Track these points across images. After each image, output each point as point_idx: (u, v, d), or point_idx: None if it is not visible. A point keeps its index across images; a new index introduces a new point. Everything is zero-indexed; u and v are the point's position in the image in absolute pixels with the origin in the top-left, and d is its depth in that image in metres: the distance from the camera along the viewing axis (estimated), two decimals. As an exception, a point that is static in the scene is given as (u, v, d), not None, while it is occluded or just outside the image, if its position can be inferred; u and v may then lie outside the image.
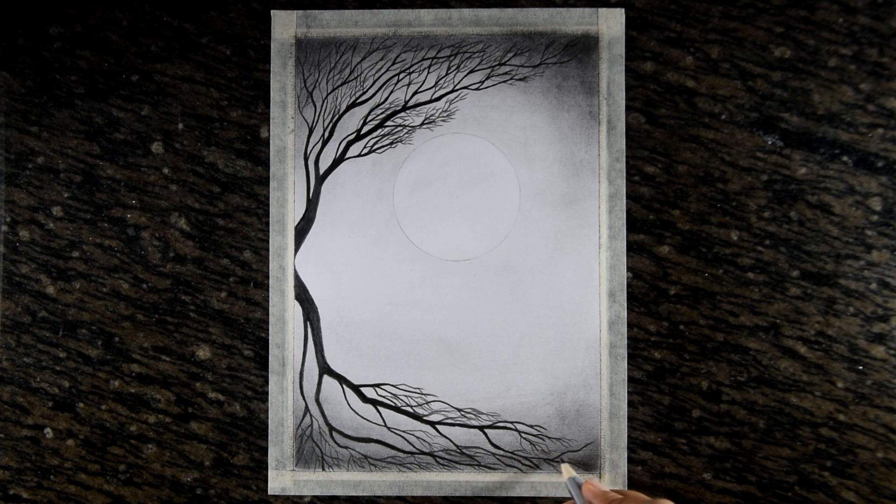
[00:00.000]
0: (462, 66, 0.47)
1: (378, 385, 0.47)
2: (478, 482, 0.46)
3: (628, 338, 0.46)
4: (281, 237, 0.47)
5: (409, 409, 0.47)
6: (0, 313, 0.48)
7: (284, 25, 0.47)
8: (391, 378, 0.47)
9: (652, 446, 0.46)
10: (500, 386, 0.46)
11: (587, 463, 0.46)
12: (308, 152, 0.47)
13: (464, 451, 0.46)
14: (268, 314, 0.47)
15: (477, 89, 0.47)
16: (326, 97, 0.47)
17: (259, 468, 0.47)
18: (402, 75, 0.47)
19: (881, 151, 0.46)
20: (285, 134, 0.47)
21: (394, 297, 0.47)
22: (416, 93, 0.47)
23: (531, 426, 0.46)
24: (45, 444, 0.48)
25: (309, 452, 0.47)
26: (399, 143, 0.47)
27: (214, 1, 0.48)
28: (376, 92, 0.47)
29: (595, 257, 0.46)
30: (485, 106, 0.47)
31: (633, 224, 0.46)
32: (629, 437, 0.46)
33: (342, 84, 0.47)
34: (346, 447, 0.47)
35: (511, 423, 0.46)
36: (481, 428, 0.46)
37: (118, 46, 0.48)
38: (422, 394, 0.47)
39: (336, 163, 0.47)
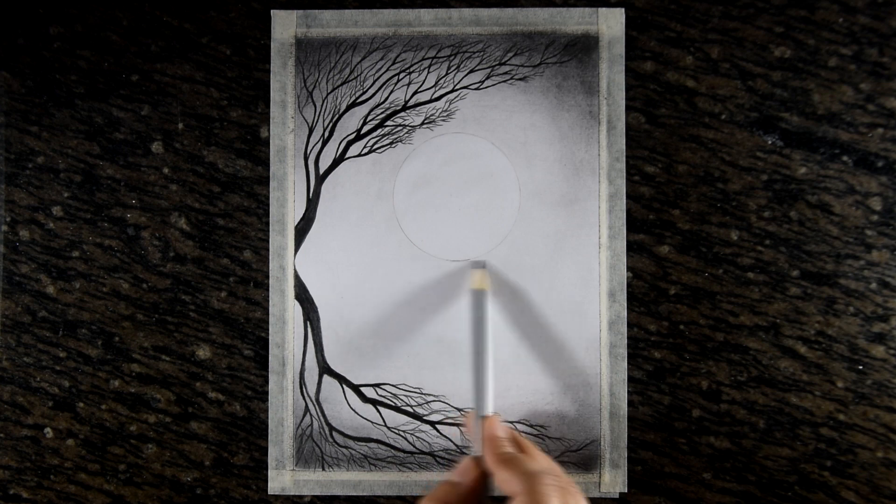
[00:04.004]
0: (462, 65, 0.47)
1: (378, 385, 0.47)
2: (478, 482, 0.46)
3: (628, 338, 0.46)
4: (281, 237, 0.47)
5: (409, 409, 0.47)
6: (0, 313, 0.48)
7: (284, 25, 0.47)
8: (391, 378, 0.47)
9: (652, 446, 0.46)
10: (500, 386, 0.46)
11: (587, 463, 0.46)
12: (308, 152, 0.47)
13: (464, 451, 0.46)
14: (268, 314, 0.47)
15: (477, 89, 0.47)
16: (326, 97, 0.47)
17: (259, 468, 0.47)
18: (402, 75, 0.47)
19: (881, 151, 0.46)
20: (285, 134, 0.47)
21: (394, 297, 0.47)
22: (416, 92, 0.47)
23: (531, 426, 0.46)
24: (45, 443, 0.48)
25: (309, 452, 0.47)
26: (399, 143, 0.47)
27: (214, 1, 0.48)
28: (376, 92, 0.47)
29: (595, 257, 0.46)
30: (485, 106, 0.47)
31: (633, 224, 0.46)
32: (629, 437, 0.46)
33: (342, 84, 0.47)
34: (346, 447, 0.47)
35: (511, 423, 0.46)
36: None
37: (118, 46, 0.48)
38: (422, 394, 0.47)
39: (336, 162, 0.47)
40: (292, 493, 0.47)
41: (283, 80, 0.47)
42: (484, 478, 0.38)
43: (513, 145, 0.47)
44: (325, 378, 0.47)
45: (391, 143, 0.47)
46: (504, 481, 0.36)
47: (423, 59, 0.47)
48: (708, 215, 0.46)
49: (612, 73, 0.46)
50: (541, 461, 0.38)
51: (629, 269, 0.46)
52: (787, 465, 0.46)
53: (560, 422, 0.46)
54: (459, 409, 0.46)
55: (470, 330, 0.43)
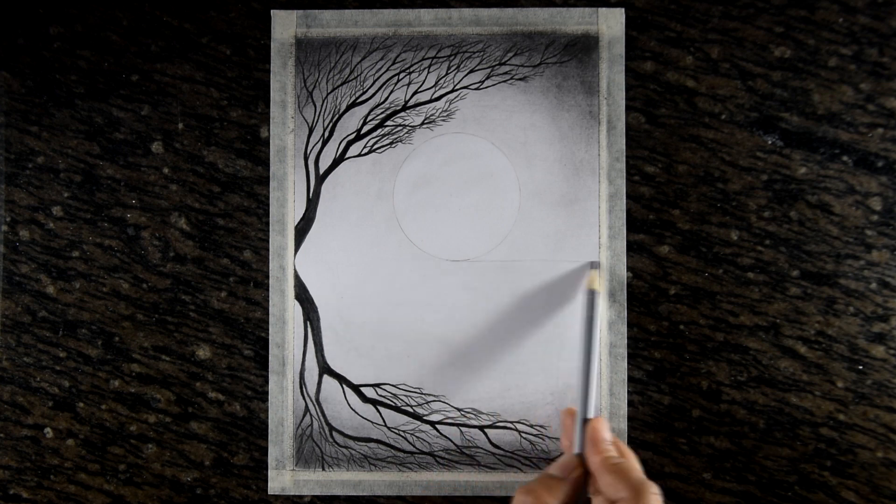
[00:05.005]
0: (462, 65, 0.47)
1: (378, 385, 0.47)
2: (478, 482, 0.46)
3: (628, 338, 0.46)
4: (281, 237, 0.47)
5: (409, 409, 0.47)
6: (0, 313, 0.48)
7: (284, 25, 0.47)
8: (391, 378, 0.47)
9: (652, 446, 0.46)
10: (500, 386, 0.46)
11: (587, 463, 0.46)
12: (308, 152, 0.47)
13: (464, 451, 0.46)
14: (268, 314, 0.47)
15: (477, 89, 0.47)
16: (326, 97, 0.47)
17: (259, 468, 0.47)
18: (402, 75, 0.47)
19: (881, 151, 0.46)
20: (285, 134, 0.47)
21: (394, 297, 0.47)
22: (416, 92, 0.47)
23: (531, 426, 0.46)
24: (45, 443, 0.48)
25: (309, 452, 0.47)
26: (399, 143, 0.47)
27: (214, 1, 0.48)
28: (376, 92, 0.47)
29: (595, 257, 0.46)
30: (485, 106, 0.47)
31: (633, 224, 0.47)
32: (629, 437, 0.46)
33: (342, 84, 0.47)
34: (346, 447, 0.47)
35: (511, 423, 0.46)
36: (481, 428, 0.46)
37: (118, 46, 0.48)
38: (422, 394, 0.47)
39: (336, 162, 0.47)
40: (292, 493, 0.47)
41: (283, 80, 0.47)
42: (585, 477, 0.39)
43: (513, 145, 0.47)
44: (325, 378, 0.47)
45: (391, 143, 0.47)
46: (608, 485, 0.36)
47: (423, 59, 0.47)
48: (708, 215, 0.46)
49: (612, 73, 0.46)
50: (640, 471, 0.39)
51: (629, 269, 0.46)
52: (787, 465, 0.46)
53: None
54: (460, 409, 0.46)
55: (582, 330, 0.43)
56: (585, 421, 0.40)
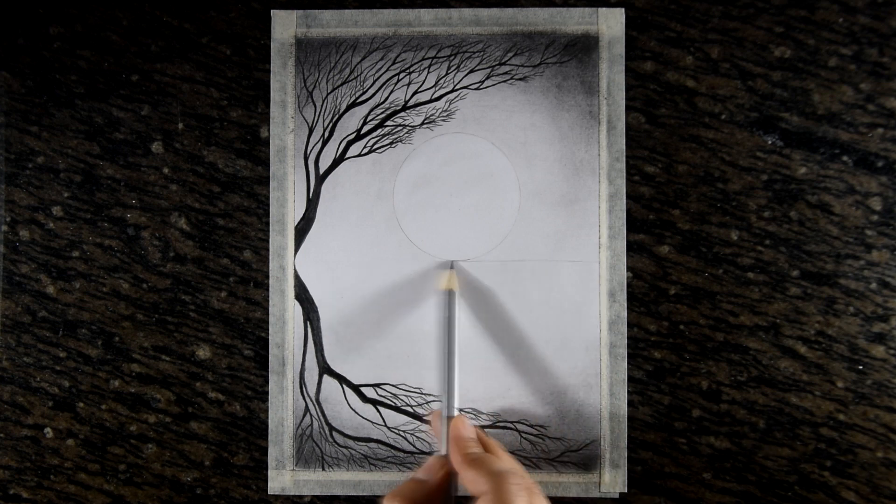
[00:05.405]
0: (462, 65, 0.47)
1: (378, 385, 0.47)
2: (478, 482, 0.46)
3: (628, 338, 0.46)
4: (281, 237, 0.47)
5: (409, 409, 0.47)
6: (0, 313, 0.48)
7: (284, 25, 0.47)
8: (391, 378, 0.47)
9: (652, 446, 0.46)
10: (500, 386, 0.46)
11: (587, 463, 0.46)
12: (308, 152, 0.47)
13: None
14: (268, 314, 0.47)
15: (477, 89, 0.47)
16: (326, 97, 0.47)
17: (259, 468, 0.47)
18: (402, 75, 0.47)
19: (881, 151, 0.46)
20: (285, 134, 0.47)
21: (394, 297, 0.47)
22: (416, 92, 0.47)
23: (531, 426, 0.46)
24: (45, 443, 0.48)
25: (309, 452, 0.47)
26: (399, 143, 0.47)
27: (214, 1, 0.48)
28: (376, 92, 0.47)
29: (595, 257, 0.46)
30: (485, 106, 0.47)
31: (633, 224, 0.47)
32: (629, 437, 0.46)
33: (342, 84, 0.47)
34: (346, 447, 0.47)
35: (511, 423, 0.46)
36: (481, 428, 0.46)
37: (118, 46, 0.48)
38: (422, 394, 0.47)
39: (336, 162, 0.47)
40: (292, 493, 0.47)
41: (283, 80, 0.47)
42: (450, 477, 0.39)
43: (513, 145, 0.47)
44: (325, 378, 0.47)
45: (391, 143, 0.47)
46: (470, 481, 0.37)
47: (423, 59, 0.47)
48: (708, 215, 0.46)
49: (612, 73, 0.46)
50: (506, 461, 0.39)
51: (629, 269, 0.46)
52: (787, 465, 0.46)
53: (560, 422, 0.46)
54: (460, 409, 0.46)
55: (440, 330, 0.44)
56: (449, 420, 0.41)
